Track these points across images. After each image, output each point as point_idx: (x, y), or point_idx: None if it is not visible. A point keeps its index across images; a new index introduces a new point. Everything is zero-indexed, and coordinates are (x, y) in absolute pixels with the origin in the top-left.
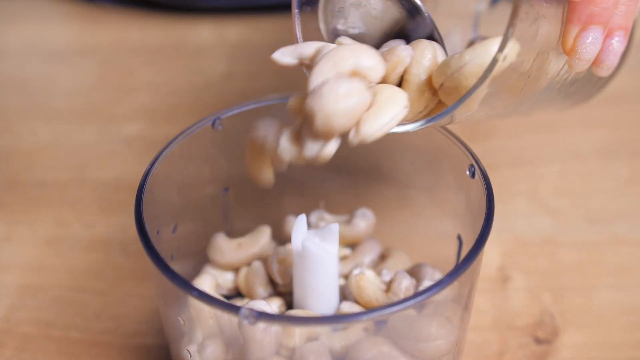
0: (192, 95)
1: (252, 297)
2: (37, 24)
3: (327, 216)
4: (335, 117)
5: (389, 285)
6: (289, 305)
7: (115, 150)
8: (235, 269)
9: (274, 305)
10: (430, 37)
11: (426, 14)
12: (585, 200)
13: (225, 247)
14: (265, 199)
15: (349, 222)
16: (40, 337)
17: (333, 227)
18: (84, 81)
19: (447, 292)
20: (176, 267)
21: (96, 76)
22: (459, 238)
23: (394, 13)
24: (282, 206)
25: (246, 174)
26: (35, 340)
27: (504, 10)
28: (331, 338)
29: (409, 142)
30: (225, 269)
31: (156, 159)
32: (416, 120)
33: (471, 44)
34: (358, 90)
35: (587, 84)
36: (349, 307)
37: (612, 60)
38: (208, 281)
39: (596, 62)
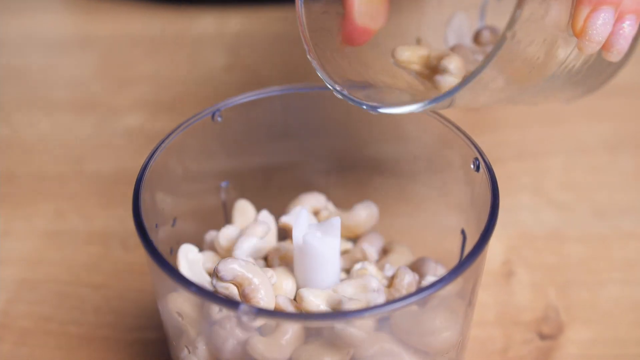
0: (192, 86)
1: None
2: (37, 14)
3: (330, 206)
4: None
5: (391, 281)
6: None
7: (115, 142)
8: None
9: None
10: None
11: None
12: (592, 194)
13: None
14: (266, 192)
15: (350, 211)
16: (38, 331)
17: (335, 221)
18: (84, 72)
19: (450, 288)
20: (175, 260)
21: (96, 67)
22: (463, 232)
23: None
24: (283, 199)
25: (247, 166)
26: (33, 334)
27: (511, 1)
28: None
29: (412, 135)
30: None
31: (154, 151)
32: (418, 101)
33: (478, 33)
34: None
35: (595, 72)
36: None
37: (623, 44)
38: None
39: (606, 46)
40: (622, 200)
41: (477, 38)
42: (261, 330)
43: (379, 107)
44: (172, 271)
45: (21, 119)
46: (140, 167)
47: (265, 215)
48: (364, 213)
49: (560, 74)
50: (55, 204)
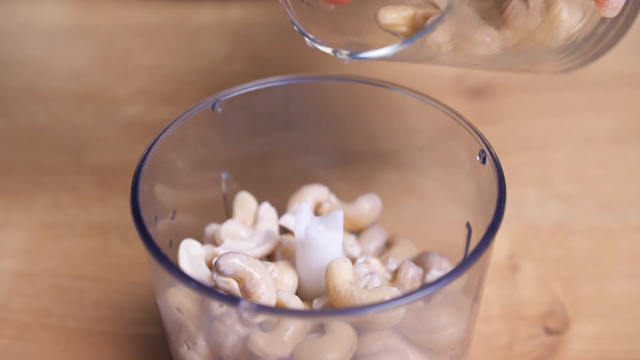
0: (192, 77)
1: None
2: (35, 3)
3: (334, 199)
4: None
5: (394, 275)
6: None
7: (114, 133)
8: None
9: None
10: None
11: None
12: (598, 187)
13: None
14: (267, 184)
15: (353, 204)
16: (36, 325)
17: (337, 214)
18: (83, 63)
19: (456, 284)
20: (174, 254)
21: (95, 57)
22: (468, 226)
23: None
24: (285, 192)
25: (248, 158)
26: (31, 329)
27: None
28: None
29: (417, 126)
30: None
31: (153, 143)
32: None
33: None
34: None
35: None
36: None
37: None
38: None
39: (600, 1)
40: (629, 193)
41: None
42: (262, 326)
43: (351, 54)
44: (171, 266)
45: (19, 109)
46: (139, 159)
47: (266, 207)
48: (367, 206)
49: (551, 36)
50: (53, 196)
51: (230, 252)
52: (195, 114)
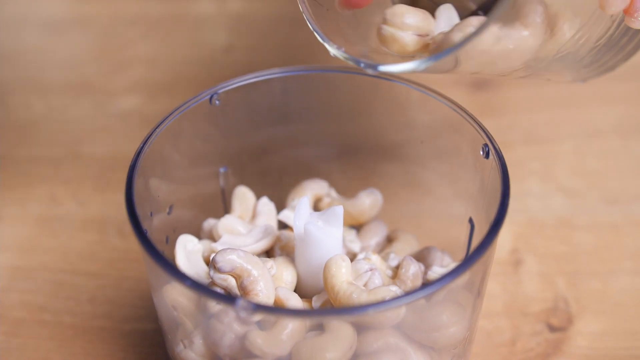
0: (191, 68)
1: None
2: None
3: (334, 194)
4: None
5: (395, 271)
6: None
7: (111, 125)
8: None
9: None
10: None
11: None
12: (602, 180)
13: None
14: (266, 178)
15: (353, 199)
16: (32, 321)
17: (337, 210)
18: (80, 53)
19: (458, 282)
20: (171, 249)
21: (92, 48)
22: (471, 221)
23: None
24: (284, 186)
25: (246, 151)
26: (26, 325)
27: None
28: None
29: (419, 119)
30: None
31: (148, 137)
32: (419, 58)
33: None
34: None
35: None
36: None
37: None
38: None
39: (630, 11)
40: (634, 187)
41: None
42: (260, 324)
43: (378, 66)
44: (166, 264)
45: (15, 101)
46: (134, 153)
47: (265, 202)
48: (368, 200)
49: (577, 42)
50: (49, 189)
51: (228, 249)
52: (192, 107)
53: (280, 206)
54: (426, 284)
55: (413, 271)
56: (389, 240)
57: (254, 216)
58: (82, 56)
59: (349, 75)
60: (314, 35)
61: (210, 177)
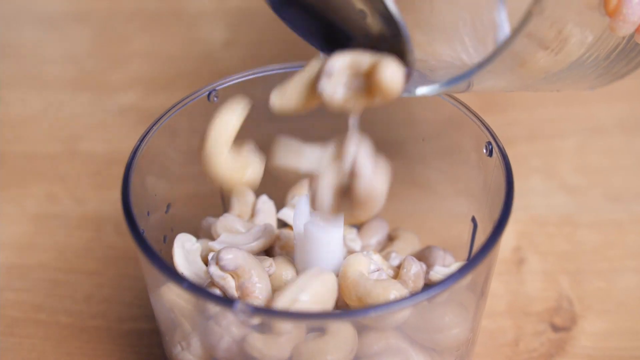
0: (190, 63)
1: None
2: None
3: None
4: None
5: (397, 272)
6: None
7: (109, 121)
8: None
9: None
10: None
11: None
12: (606, 177)
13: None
14: (265, 176)
15: None
16: (27, 321)
17: None
18: (77, 48)
19: (462, 283)
20: (169, 249)
21: (90, 43)
22: (474, 220)
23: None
24: (283, 184)
25: None
26: (22, 324)
27: None
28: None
29: (420, 115)
30: None
31: (145, 134)
32: (432, 83)
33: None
34: None
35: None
36: None
37: None
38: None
39: (614, 14)
40: (638, 184)
41: None
42: (259, 327)
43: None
44: (163, 265)
45: (12, 96)
46: (130, 152)
47: (264, 200)
48: None
49: (587, 59)
50: (46, 186)
51: (232, 247)
52: (189, 103)
53: (279, 204)
54: (430, 286)
55: (415, 271)
56: (390, 239)
57: (253, 215)
58: (79, 51)
59: None
60: None
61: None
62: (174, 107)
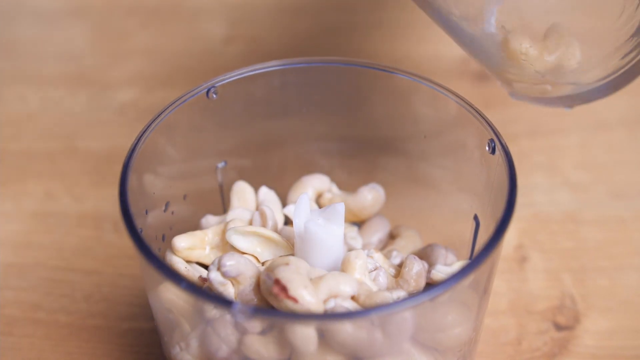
0: (190, 59)
1: None
2: None
3: (335, 189)
4: None
5: (398, 270)
6: None
7: (108, 119)
8: None
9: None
10: None
11: None
12: (610, 174)
13: None
14: (265, 173)
15: (355, 194)
16: (25, 320)
17: (338, 207)
18: (76, 45)
19: (465, 282)
20: (167, 247)
21: (89, 39)
22: (476, 218)
23: None
24: (284, 181)
25: (245, 146)
26: (20, 323)
27: None
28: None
29: (422, 112)
30: None
31: (143, 132)
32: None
33: None
34: None
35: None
36: None
37: None
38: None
39: None
40: None
41: None
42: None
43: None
44: (161, 265)
45: (9, 93)
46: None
47: (265, 191)
48: (370, 196)
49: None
50: (44, 184)
51: (235, 253)
52: (188, 101)
53: (281, 201)
54: (432, 286)
55: (416, 270)
56: (392, 236)
57: (257, 208)
58: (78, 47)
59: (350, 68)
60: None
61: (208, 172)
62: (172, 104)
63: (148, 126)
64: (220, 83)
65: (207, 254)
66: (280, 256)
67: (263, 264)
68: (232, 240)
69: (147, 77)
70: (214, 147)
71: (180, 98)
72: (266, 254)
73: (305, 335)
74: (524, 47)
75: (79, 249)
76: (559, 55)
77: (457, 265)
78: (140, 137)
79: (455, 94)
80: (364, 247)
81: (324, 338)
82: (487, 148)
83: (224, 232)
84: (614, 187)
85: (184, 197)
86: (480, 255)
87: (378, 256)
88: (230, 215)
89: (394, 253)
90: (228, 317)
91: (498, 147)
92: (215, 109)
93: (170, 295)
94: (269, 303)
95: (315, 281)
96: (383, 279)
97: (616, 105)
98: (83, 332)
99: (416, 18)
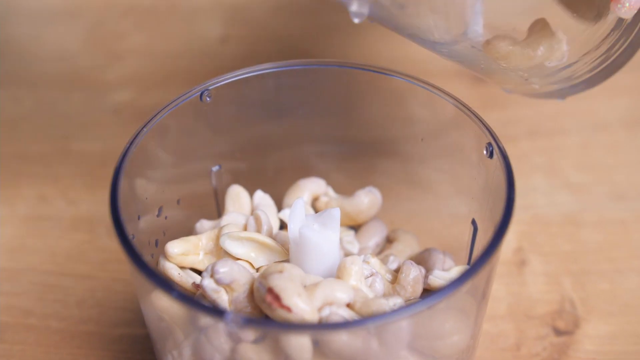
0: (186, 60)
1: None
2: None
3: (331, 192)
4: None
5: (395, 276)
6: None
7: (103, 120)
8: None
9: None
10: None
11: None
12: (610, 175)
13: None
14: (261, 177)
15: (352, 198)
16: (17, 326)
17: (334, 212)
18: (70, 45)
19: (462, 289)
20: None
21: (83, 40)
22: (474, 222)
23: None
24: (279, 185)
25: (240, 149)
26: (11, 329)
27: None
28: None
29: (419, 114)
30: None
31: (135, 136)
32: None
33: None
34: None
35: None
36: None
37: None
38: None
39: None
40: None
41: None
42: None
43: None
44: (152, 273)
45: (3, 94)
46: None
47: (260, 195)
48: (367, 199)
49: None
50: (37, 187)
51: (228, 259)
52: (181, 104)
53: (276, 206)
54: (429, 293)
55: (413, 276)
56: (389, 240)
57: (252, 212)
58: (72, 48)
59: (346, 69)
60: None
61: (202, 176)
62: (165, 107)
63: (140, 130)
64: (214, 86)
65: (200, 260)
66: (275, 262)
67: (258, 269)
68: (226, 246)
69: (143, 78)
70: (208, 150)
71: (174, 101)
72: (261, 259)
73: (299, 344)
74: (507, 47)
75: (72, 253)
76: (544, 49)
77: (455, 271)
78: (132, 141)
79: (453, 96)
80: (361, 251)
81: (318, 347)
82: (484, 152)
83: (218, 237)
84: (615, 188)
85: (178, 201)
86: (479, 261)
87: (374, 262)
88: (225, 219)
89: (391, 258)
90: (221, 325)
91: (496, 151)
92: (209, 111)
93: (163, 303)
94: (263, 311)
95: (310, 288)
96: (379, 285)
97: (616, 106)
98: (75, 339)
99: None
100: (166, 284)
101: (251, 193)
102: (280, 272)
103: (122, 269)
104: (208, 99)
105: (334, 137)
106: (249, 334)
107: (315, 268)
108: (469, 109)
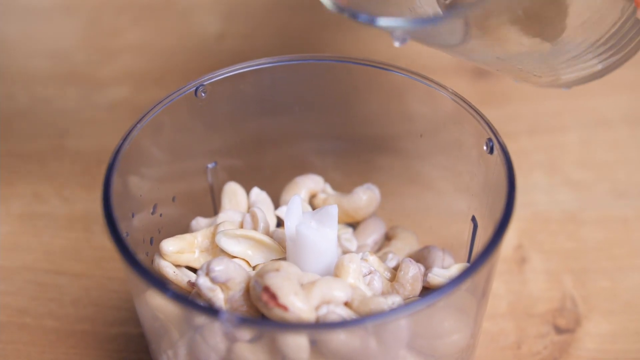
0: (182, 57)
1: None
2: None
3: (329, 189)
4: None
5: (394, 274)
6: None
7: (98, 117)
8: None
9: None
10: None
11: None
12: (611, 172)
13: None
14: (257, 174)
15: (350, 195)
16: (11, 325)
17: (331, 209)
18: (66, 41)
19: (462, 287)
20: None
21: (79, 36)
22: (474, 220)
23: None
24: (276, 182)
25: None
26: (6, 329)
27: None
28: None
29: (418, 110)
30: None
31: (129, 133)
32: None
33: None
34: None
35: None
36: None
37: None
38: None
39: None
40: None
41: None
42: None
43: (376, 19)
44: (145, 272)
45: None
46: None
47: (257, 192)
48: (365, 196)
49: (581, 37)
50: (32, 184)
51: (224, 257)
52: (175, 100)
53: (273, 203)
54: (428, 291)
55: (412, 274)
56: (388, 238)
57: (249, 210)
58: (68, 44)
59: (344, 64)
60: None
61: (198, 173)
62: (159, 103)
63: (134, 127)
64: (209, 81)
65: (196, 258)
66: (271, 260)
67: (254, 267)
68: (222, 243)
69: (139, 74)
70: (203, 147)
71: (168, 97)
72: (257, 257)
73: (296, 344)
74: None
75: (68, 252)
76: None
77: (455, 269)
78: (126, 138)
79: (452, 92)
80: (359, 249)
81: (316, 346)
82: (485, 148)
83: (213, 235)
84: (616, 185)
85: (173, 198)
86: (479, 259)
87: (373, 259)
88: (221, 217)
89: (390, 256)
90: (217, 324)
91: (496, 147)
92: (205, 107)
93: (158, 302)
94: (260, 310)
95: (307, 287)
96: (378, 284)
97: (617, 103)
98: (71, 338)
99: None
100: (160, 283)
101: (248, 190)
102: (277, 270)
103: (117, 267)
104: (203, 94)
105: (332, 133)
106: (245, 334)
107: (312, 266)
108: (468, 104)
